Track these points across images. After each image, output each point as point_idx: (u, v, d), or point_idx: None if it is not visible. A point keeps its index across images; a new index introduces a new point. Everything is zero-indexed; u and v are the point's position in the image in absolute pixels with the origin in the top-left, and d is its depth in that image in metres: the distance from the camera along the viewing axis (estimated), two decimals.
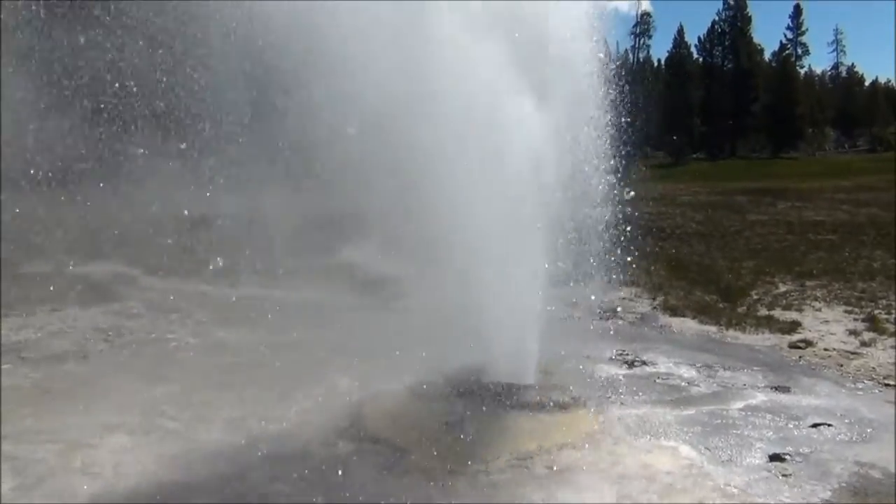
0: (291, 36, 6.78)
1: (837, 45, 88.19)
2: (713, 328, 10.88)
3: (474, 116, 7.01)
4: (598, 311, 11.76)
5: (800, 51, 75.87)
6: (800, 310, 11.78)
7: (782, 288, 13.41)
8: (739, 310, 11.86)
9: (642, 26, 76.44)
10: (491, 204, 7.09)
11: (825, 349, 9.64)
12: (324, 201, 8.12)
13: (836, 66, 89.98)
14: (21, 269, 13.58)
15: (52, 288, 12.30)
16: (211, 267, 9.43)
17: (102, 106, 7.09)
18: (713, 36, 72.57)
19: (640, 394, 7.83)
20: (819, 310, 11.80)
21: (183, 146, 7.43)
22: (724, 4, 72.16)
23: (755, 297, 12.77)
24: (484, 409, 6.70)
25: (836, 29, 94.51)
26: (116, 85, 6.99)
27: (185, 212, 8.76)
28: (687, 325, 11.11)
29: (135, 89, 7.12)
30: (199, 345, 9.44)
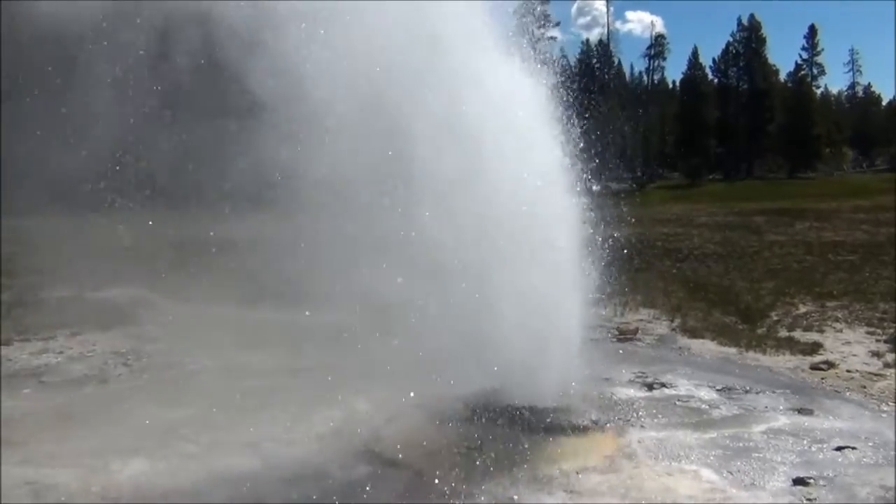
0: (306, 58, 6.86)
1: (853, 65, 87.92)
2: (733, 350, 10.78)
3: (493, 138, 7.05)
4: (617, 332, 11.71)
5: (815, 71, 75.63)
6: (821, 331, 11.66)
7: (802, 309, 13.28)
8: (759, 331, 11.75)
9: (657, 48, 76.45)
10: (509, 226, 7.10)
11: (847, 371, 9.52)
12: (340, 224, 8.14)
13: (852, 86, 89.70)
14: (41, 294, 13.72)
15: (72, 312, 12.41)
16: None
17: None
18: (728, 57, 72.47)
19: (661, 416, 7.75)
20: (840, 331, 11.66)
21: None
22: (738, 26, 72.28)
23: (775, 318, 12.65)
24: (503, 431, 6.67)
25: (852, 49, 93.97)
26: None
27: (206, 235, 8.81)
28: (706, 347, 11.01)
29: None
30: (217, 368, 9.46)
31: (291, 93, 6.98)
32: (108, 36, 6.75)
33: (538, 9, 7.94)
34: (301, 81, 6.91)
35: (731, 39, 72.83)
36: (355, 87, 6.96)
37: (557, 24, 66.76)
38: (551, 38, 63.86)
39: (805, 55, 75.25)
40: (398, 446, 6.79)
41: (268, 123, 7.14)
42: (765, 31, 71.40)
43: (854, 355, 10.24)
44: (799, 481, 6.16)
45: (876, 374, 9.33)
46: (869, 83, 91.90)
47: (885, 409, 8.09)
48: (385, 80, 6.98)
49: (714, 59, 73.87)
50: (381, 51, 6.97)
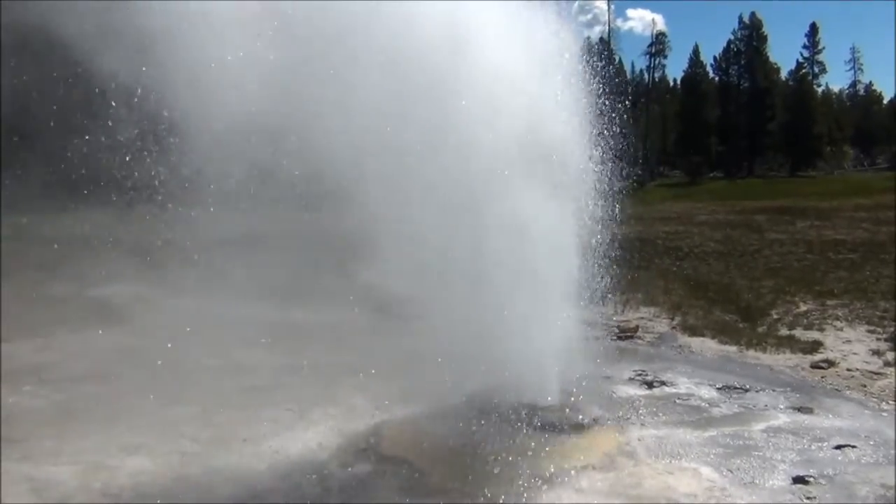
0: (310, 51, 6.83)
1: (855, 63, 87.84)
2: (733, 348, 10.78)
3: (495, 134, 7.04)
4: (617, 330, 11.71)
5: (817, 69, 75.57)
6: (821, 329, 11.65)
7: (803, 307, 13.27)
8: (760, 329, 11.75)
9: (657, 46, 76.19)
10: (511, 223, 7.09)
11: (848, 369, 9.52)
12: (338, 221, 8.16)
13: (853, 85, 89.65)
14: (42, 291, 13.72)
15: (72, 309, 12.41)
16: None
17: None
18: (729, 55, 72.41)
19: (661, 415, 7.76)
20: (841, 329, 11.66)
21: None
22: (739, 24, 72.21)
23: (775, 316, 12.64)
24: (503, 429, 6.66)
25: (854, 47, 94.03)
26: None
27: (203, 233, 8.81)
28: (706, 345, 11.01)
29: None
30: (218, 366, 9.45)
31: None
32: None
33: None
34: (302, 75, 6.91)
35: (732, 37, 72.87)
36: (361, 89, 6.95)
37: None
38: None
39: (806, 53, 75.28)
40: (399, 444, 6.80)
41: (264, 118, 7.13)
42: (766, 30, 71.45)
43: (854, 354, 10.24)
44: (799, 480, 6.16)
45: (876, 373, 9.33)
46: (870, 81, 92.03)
47: (886, 407, 8.10)
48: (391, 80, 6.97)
49: (715, 58, 73.93)
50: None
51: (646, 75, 77.46)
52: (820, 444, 6.96)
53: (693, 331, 11.82)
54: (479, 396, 7.16)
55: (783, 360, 10.06)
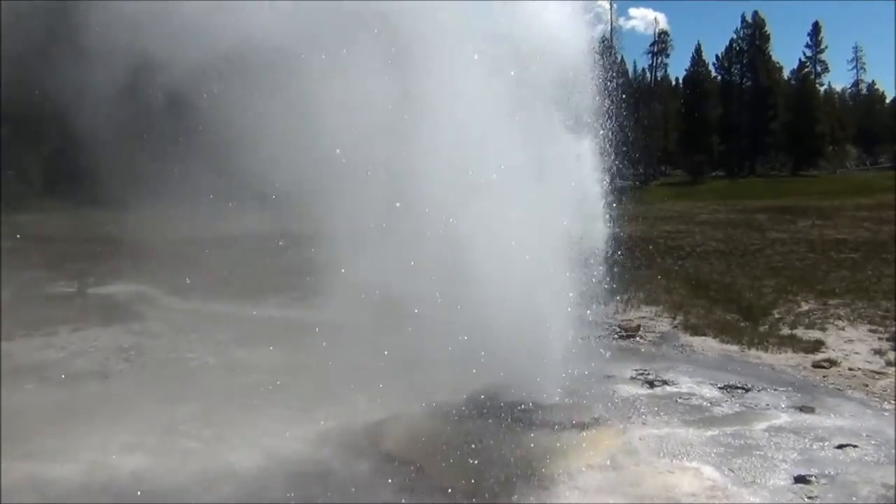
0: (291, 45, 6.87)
1: (857, 62, 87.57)
2: (735, 347, 10.77)
3: (497, 132, 7.04)
4: (619, 329, 11.69)
5: (819, 68, 75.39)
6: (823, 329, 11.63)
7: (805, 307, 13.25)
8: (761, 329, 11.73)
9: (660, 45, 76.07)
10: (513, 223, 7.08)
11: (850, 369, 9.50)
12: (337, 218, 8.16)
13: (856, 84, 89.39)
14: (44, 290, 13.75)
15: (74, 308, 12.42)
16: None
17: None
18: (731, 54, 72.30)
19: (662, 414, 7.75)
20: (843, 329, 11.64)
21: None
22: (742, 23, 72.10)
23: (777, 315, 12.62)
24: (505, 429, 6.65)
25: (856, 46, 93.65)
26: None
27: (205, 232, 8.82)
28: (708, 345, 11.00)
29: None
30: (219, 364, 9.47)
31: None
32: None
33: None
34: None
35: (734, 36, 72.67)
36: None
37: None
38: None
39: (809, 52, 75.06)
40: (399, 443, 6.79)
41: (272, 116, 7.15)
42: (769, 29, 71.25)
43: (856, 353, 10.22)
44: (800, 479, 6.16)
45: (878, 373, 9.31)
46: (873, 81, 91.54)
47: (887, 407, 8.08)
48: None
49: (717, 56, 73.72)
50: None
51: (648, 74, 77.37)
52: (821, 444, 6.95)
53: (695, 330, 11.81)
54: (480, 395, 7.15)
55: (785, 360, 10.04)
